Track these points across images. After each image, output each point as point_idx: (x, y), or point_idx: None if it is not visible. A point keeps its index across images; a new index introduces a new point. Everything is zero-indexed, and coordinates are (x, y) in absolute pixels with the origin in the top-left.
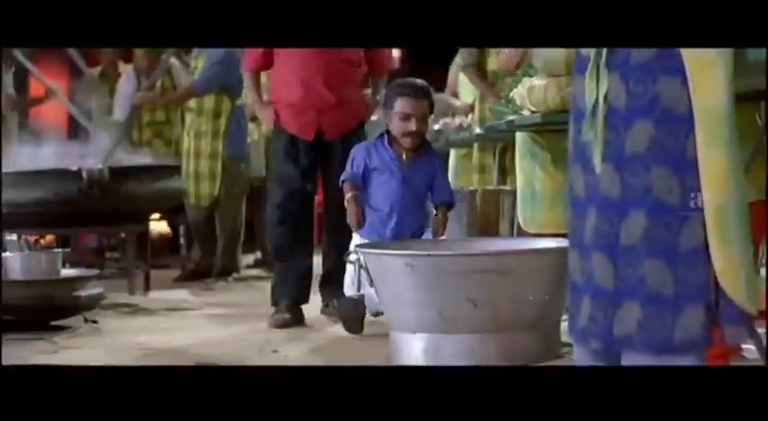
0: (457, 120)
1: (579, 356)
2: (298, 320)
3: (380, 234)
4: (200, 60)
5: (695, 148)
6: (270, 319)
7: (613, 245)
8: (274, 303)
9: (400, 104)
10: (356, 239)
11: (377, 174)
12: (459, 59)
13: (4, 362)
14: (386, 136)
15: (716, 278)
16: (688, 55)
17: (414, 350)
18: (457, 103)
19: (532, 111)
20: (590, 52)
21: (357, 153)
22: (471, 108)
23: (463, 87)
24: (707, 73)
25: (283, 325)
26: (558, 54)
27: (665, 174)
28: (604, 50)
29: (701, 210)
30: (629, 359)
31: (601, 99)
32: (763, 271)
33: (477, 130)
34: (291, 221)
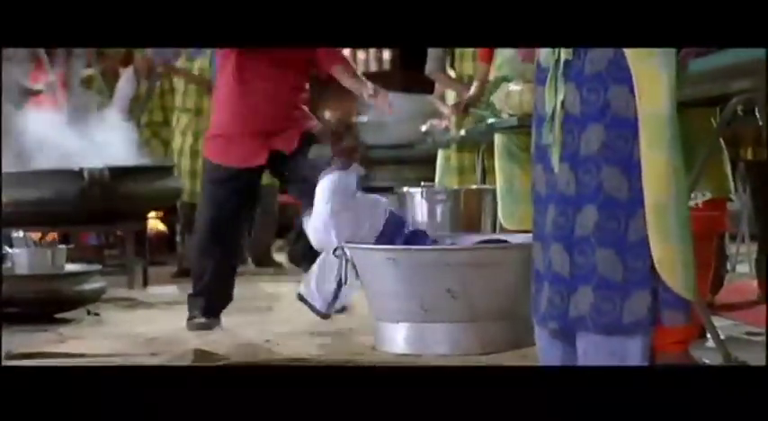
0: (443, 123)
1: (540, 337)
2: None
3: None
4: (199, 62)
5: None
6: None
7: (569, 236)
8: None
9: None
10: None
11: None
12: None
13: (14, 351)
14: None
15: None
16: (635, 65)
17: (397, 339)
18: (444, 108)
19: (510, 115)
20: (549, 64)
21: None
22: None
23: (449, 94)
24: (652, 82)
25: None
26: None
27: (614, 173)
28: (561, 63)
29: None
30: (583, 338)
31: (558, 106)
32: (741, 267)
33: (462, 132)
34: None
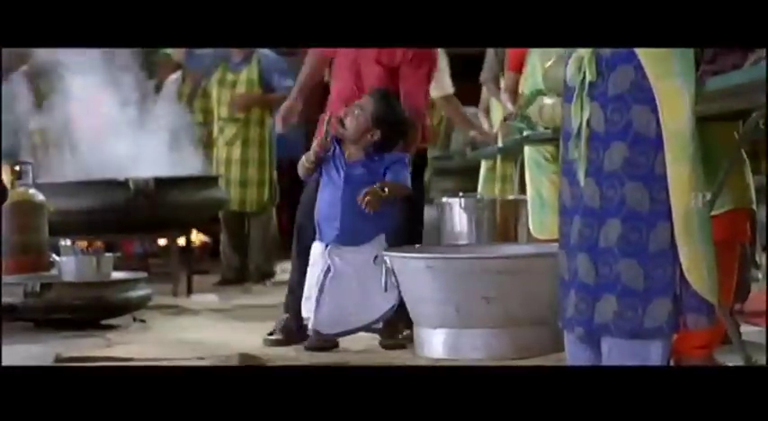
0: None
1: (567, 341)
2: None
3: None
4: (245, 74)
5: (662, 166)
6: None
7: (594, 247)
8: None
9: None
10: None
11: (324, 174)
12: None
13: (64, 355)
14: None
15: (681, 273)
16: (657, 85)
17: (434, 344)
18: (484, 121)
19: (545, 128)
20: (575, 84)
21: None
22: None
23: (495, 104)
24: (674, 100)
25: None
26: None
27: (636, 188)
28: (587, 83)
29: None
30: (607, 343)
31: (584, 124)
32: (759, 274)
33: (500, 144)
34: None
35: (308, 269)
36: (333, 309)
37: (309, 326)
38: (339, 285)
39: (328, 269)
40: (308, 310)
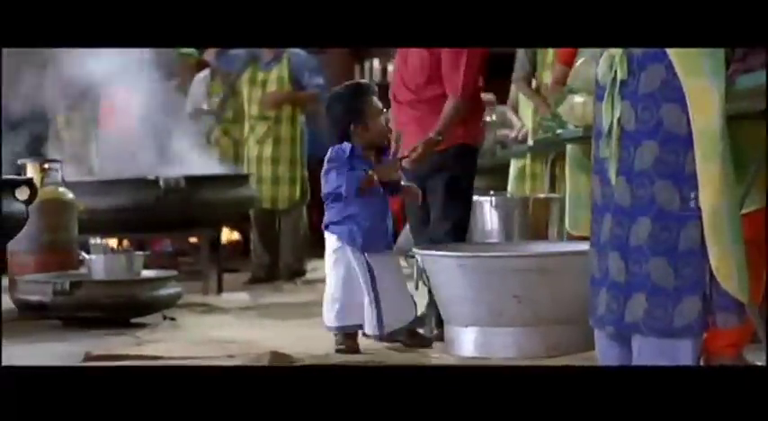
0: (512, 133)
1: (598, 339)
2: None
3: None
4: (276, 72)
5: (692, 164)
6: None
7: (625, 245)
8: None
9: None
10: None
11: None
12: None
13: (93, 353)
14: (353, 149)
15: (711, 271)
16: (687, 83)
17: (466, 342)
18: (515, 118)
19: (576, 126)
20: (606, 83)
21: (333, 173)
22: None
23: (523, 102)
24: (704, 98)
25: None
26: (594, 75)
27: (666, 186)
28: (618, 82)
29: (698, 210)
30: (637, 341)
31: (615, 122)
32: None
33: (530, 142)
34: None
35: (336, 275)
36: (385, 311)
37: (368, 333)
38: (386, 288)
39: (371, 274)
40: (338, 319)
